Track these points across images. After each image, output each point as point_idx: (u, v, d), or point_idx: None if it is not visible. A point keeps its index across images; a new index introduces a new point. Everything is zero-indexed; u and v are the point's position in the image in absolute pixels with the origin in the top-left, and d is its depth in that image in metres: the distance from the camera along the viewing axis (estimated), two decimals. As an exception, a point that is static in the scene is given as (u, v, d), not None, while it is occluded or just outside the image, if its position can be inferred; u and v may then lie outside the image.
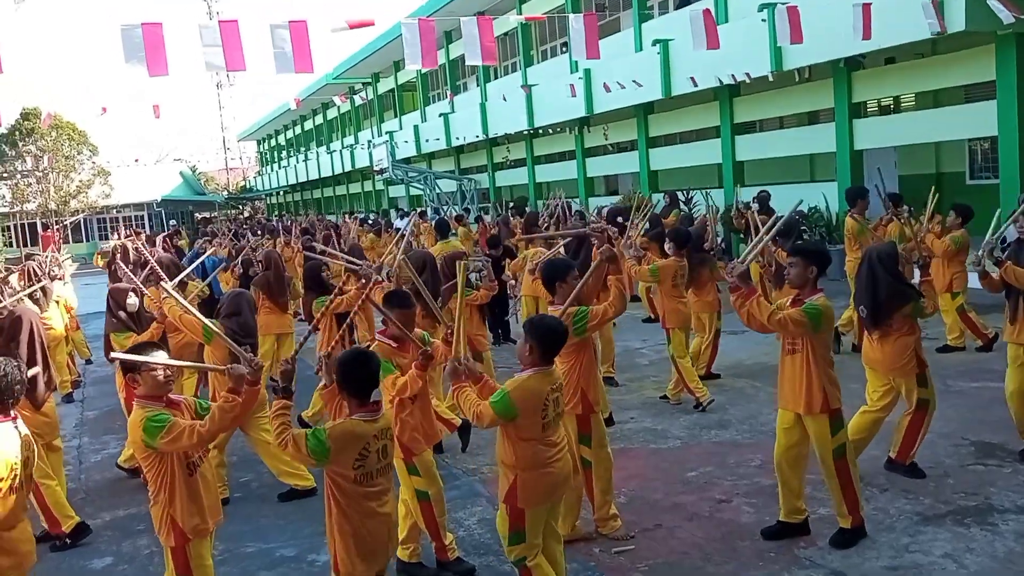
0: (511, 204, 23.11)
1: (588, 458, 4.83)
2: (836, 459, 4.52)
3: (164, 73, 7.48)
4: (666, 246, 7.79)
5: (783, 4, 10.72)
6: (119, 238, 17.61)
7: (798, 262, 4.57)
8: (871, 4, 10.34)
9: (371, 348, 4.21)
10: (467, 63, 9.65)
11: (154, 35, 7.45)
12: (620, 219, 10.04)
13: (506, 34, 23.33)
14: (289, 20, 7.95)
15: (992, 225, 5.82)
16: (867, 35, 10.34)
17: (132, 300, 6.46)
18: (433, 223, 18.86)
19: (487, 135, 24.68)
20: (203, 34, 7.67)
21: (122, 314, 6.49)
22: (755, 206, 14.15)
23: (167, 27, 7.48)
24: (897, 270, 5.30)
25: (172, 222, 35.59)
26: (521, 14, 21.51)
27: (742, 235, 12.84)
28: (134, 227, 28.63)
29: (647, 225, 9.17)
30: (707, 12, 10.78)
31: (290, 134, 51.13)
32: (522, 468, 3.82)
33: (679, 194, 18.26)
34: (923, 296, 5.31)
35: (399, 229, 21.64)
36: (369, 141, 32.86)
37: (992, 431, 6.11)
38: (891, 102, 17.02)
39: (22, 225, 43.64)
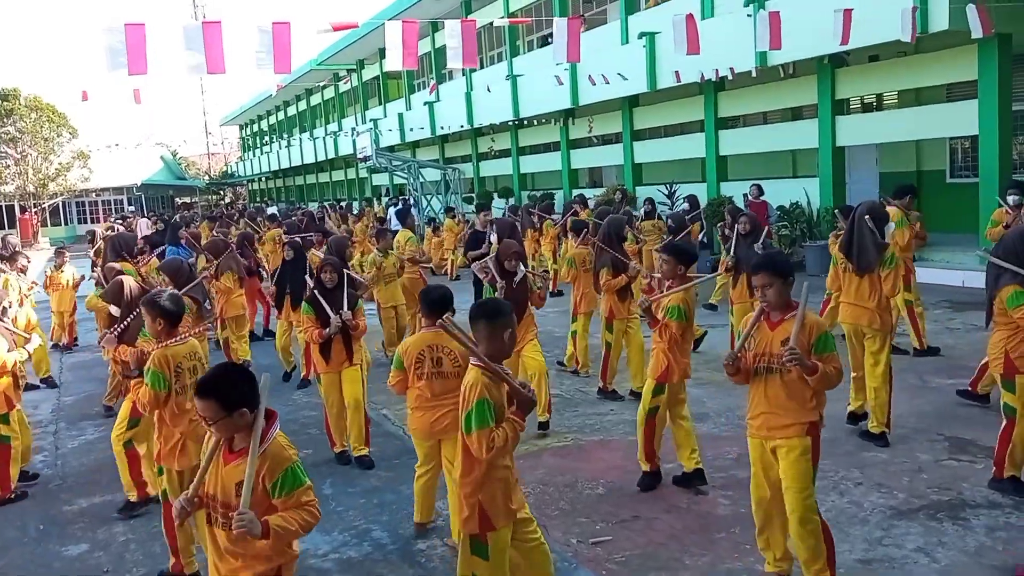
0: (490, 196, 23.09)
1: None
2: (646, 417, 5.43)
3: (144, 72, 7.54)
4: (571, 237, 9.16)
5: (768, 3, 10.75)
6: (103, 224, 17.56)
7: (670, 260, 5.41)
8: (852, 9, 10.40)
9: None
10: (448, 66, 9.76)
11: (136, 36, 7.39)
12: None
13: (492, 24, 23.27)
14: (273, 22, 7.95)
15: None
16: (845, 40, 10.44)
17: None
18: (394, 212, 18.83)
19: (472, 125, 24.62)
20: (186, 36, 7.64)
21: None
22: (686, 205, 14.27)
23: (149, 27, 7.46)
24: (1017, 253, 5.01)
25: (135, 210, 35.12)
26: (508, 10, 21.47)
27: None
28: (123, 214, 28.37)
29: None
30: (690, 17, 10.74)
31: (273, 120, 50.69)
32: (410, 407, 4.77)
33: (663, 187, 18.32)
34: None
35: (389, 219, 21.64)
36: (353, 128, 32.62)
37: (965, 427, 6.20)
38: (874, 99, 17.15)
39: (-1, 207, 43.18)
